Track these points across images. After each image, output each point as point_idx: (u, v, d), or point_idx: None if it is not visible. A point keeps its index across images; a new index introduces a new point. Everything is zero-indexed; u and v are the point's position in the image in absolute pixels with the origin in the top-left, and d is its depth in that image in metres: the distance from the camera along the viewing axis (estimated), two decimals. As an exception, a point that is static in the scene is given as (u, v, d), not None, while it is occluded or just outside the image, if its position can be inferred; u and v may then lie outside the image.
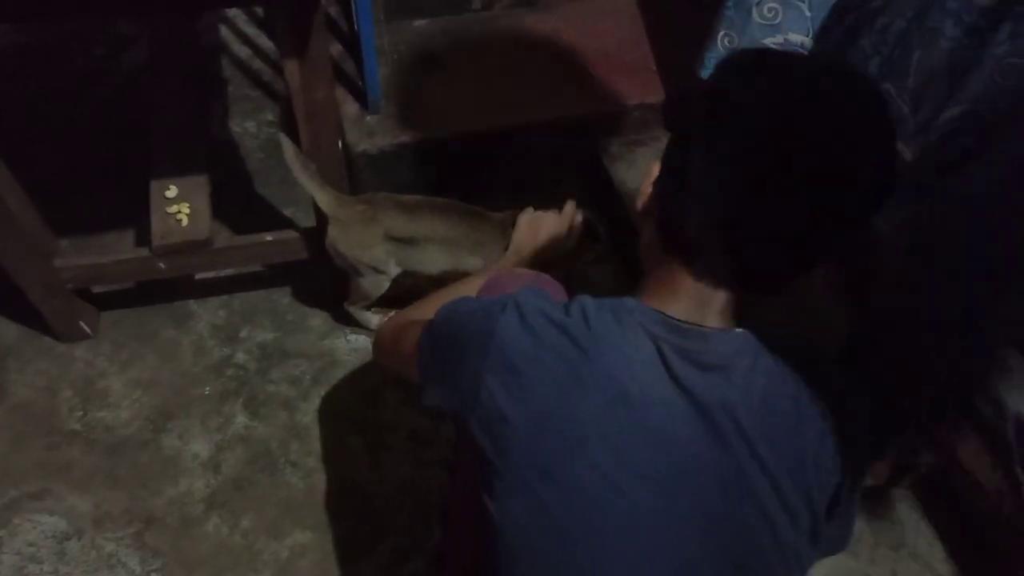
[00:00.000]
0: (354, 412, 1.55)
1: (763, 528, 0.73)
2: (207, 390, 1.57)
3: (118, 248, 1.69)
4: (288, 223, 1.77)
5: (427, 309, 1.05)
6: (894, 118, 0.74)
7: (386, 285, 1.50)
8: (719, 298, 0.75)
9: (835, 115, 0.68)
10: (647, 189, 0.81)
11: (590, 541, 0.72)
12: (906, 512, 1.53)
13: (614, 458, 0.71)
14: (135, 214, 1.63)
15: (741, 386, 0.72)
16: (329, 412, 1.55)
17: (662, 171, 0.78)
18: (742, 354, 0.74)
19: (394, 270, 1.47)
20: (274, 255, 1.54)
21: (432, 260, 1.44)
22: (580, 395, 0.72)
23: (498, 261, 1.36)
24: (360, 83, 1.73)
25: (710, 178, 0.71)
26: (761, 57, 0.73)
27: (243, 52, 2.08)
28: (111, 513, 1.42)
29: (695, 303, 0.75)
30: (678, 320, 0.74)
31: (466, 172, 1.76)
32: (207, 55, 2.06)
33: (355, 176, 1.68)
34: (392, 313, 1.10)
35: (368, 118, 1.71)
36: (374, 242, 1.41)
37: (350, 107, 1.72)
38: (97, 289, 1.61)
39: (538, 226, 1.32)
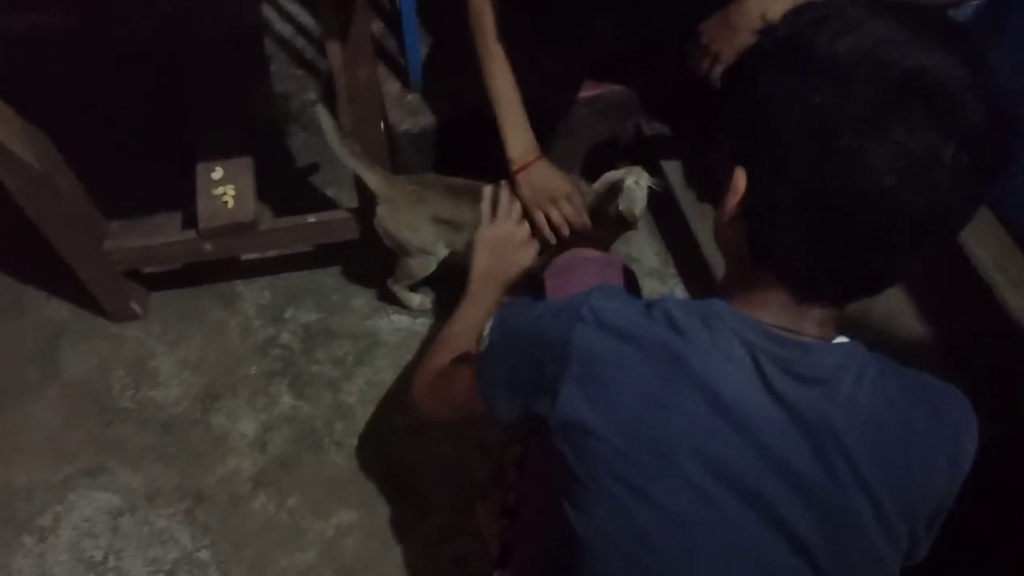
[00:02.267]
0: (397, 392, 1.55)
1: (860, 548, 0.69)
2: (253, 370, 1.58)
3: (166, 229, 1.72)
4: (332, 203, 1.78)
5: (443, 354, 1.01)
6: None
7: (433, 266, 1.49)
8: (816, 310, 0.69)
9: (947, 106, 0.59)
10: (733, 206, 0.70)
11: (683, 557, 0.69)
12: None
13: (708, 471, 0.67)
14: (182, 195, 1.64)
15: (845, 402, 0.67)
16: (372, 392, 1.56)
17: (749, 192, 0.69)
18: (847, 367, 0.68)
19: (442, 252, 1.46)
20: (318, 236, 1.55)
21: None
22: (671, 405, 0.67)
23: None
24: (402, 61, 1.72)
25: (805, 202, 0.63)
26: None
27: (285, 30, 2.08)
28: (163, 490, 1.45)
29: (791, 313, 0.69)
30: (775, 328, 0.68)
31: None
32: (249, 34, 2.06)
33: (398, 155, 1.67)
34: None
35: (410, 96, 1.70)
36: (422, 223, 1.41)
37: (392, 86, 1.71)
38: (147, 270, 1.63)
39: (497, 250, 1.22)
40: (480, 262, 1.20)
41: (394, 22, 1.74)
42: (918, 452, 0.69)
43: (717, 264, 1.59)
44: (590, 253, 1.12)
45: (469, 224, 1.38)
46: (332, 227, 1.53)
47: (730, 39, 1.27)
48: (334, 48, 1.19)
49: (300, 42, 2.07)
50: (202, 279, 1.69)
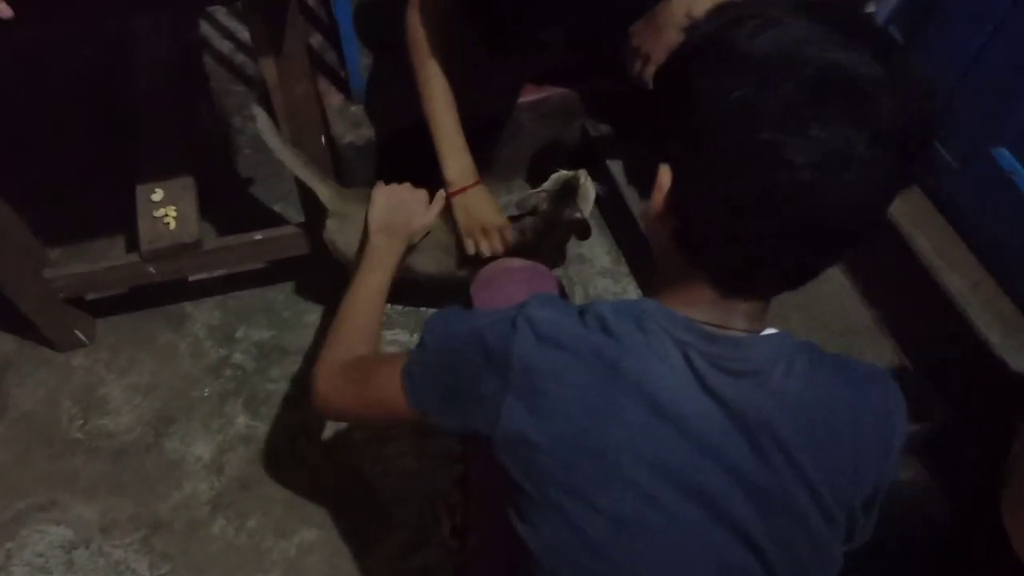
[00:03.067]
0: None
1: (801, 535, 0.71)
2: (206, 392, 1.56)
3: (109, 254, 1.68)
4: (279, 219, 1.76)
5: (349, 337, 1.00)
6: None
7: None
8: (743, 304, 0.70)
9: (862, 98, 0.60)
10: (659, 201, 0.71)
11: (635, 562, 0.69)
12: (910, 475, 1.52)
13: (652, 474, 0.68)
14: (124, 219, 1.61)
15: (776, 393, 0.69)
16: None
17: (674, 187, 0.69)
18: (776, 359, 0.69)
19: None
20: (266, 253, 1.53)
21: (425, 262, 1.42)
22: (610, 412, 0.68)
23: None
24: (343, 73, 1.71)
25: (727, 198, 0.64)
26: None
27: (224, 47, 2.06)
28: (118, 520, 1.42)
29: (719, 309, 0.70)
30: (705, 324, 0.69)
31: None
32: (188, 51, 2.04)
33: (343, 168, 1.66)
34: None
35: (353, 108, 1.69)
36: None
37: (334, 98, 1.70)
38: (90, 296, 1.60)
39: (396, 201, 1.28)
40: (378, 214, 1.22)
41: (333, 34, 1.73)
42: (848, 438, 0.71)
43: (666, 261, 1.61)
44: (515, 263, 1.13)
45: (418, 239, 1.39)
46: (280, 243, 1.51)
47: (658, 39, 1.29)
48: (268, 64, 1.18)
49: (240, 58, 2.05)
50: (149, 303, 1.66)
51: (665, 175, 0.69)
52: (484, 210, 1.35)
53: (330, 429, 1.51)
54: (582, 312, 0.72)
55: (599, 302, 0.72)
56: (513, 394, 0.70)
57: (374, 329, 1.07)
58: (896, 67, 0.61)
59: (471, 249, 1.36)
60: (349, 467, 1.47)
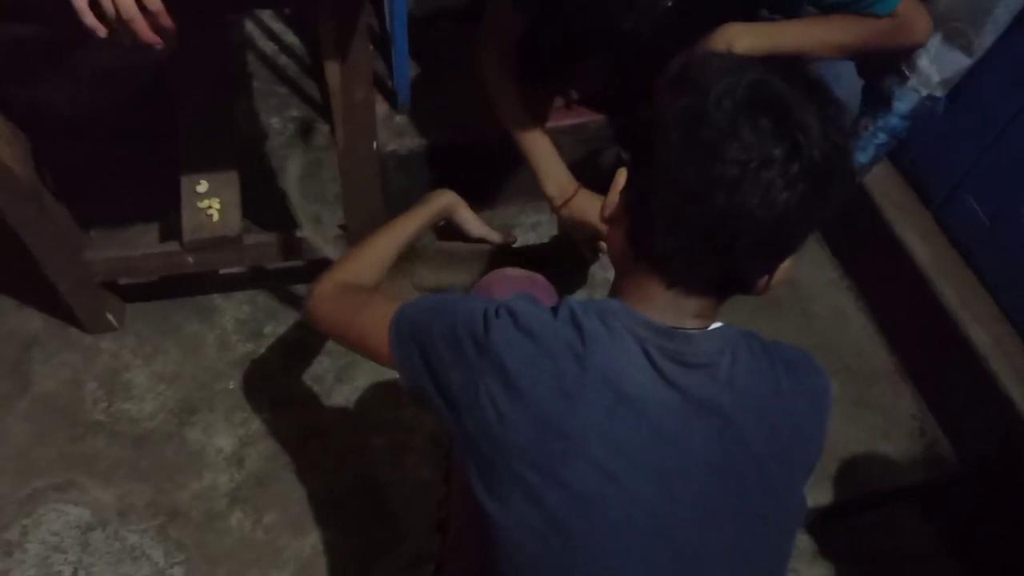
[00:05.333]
0: (376, 412, 1.55)
1: (755, 514, 0.77)
2: (231, 385, 1.57)
3: (143, 242, 1.70)
4: (313, 219, 1.78)
5: (358, 262, 1.08)
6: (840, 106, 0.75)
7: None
8: (692, 303, 0.78)
9: (795, 116, 0.70)
10: (614, 198, 0.81)
11: (594, 537, 0.75)
12: (917, 522, 1.54)
13: (614, 454, 0.74)
14: (160, 209, 1.63)
15: (725, 381, 0.76)
16: (351, 411, 1.56)
17: (628, 183, 0.80)
18: (723, 351, 0.77)
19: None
20: (306, 252, 1.55)
21: (429, 276, 1.43)
22: (579, 396, 0.74)
23: None
24: (389, 83, 1.74)
25: (674, 196, 0.73)
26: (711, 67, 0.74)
27: (268, 47, 2.09)
28: (135, 505, 1.42)
29: (672, 309, 0.77)
30: (660, 323, 0.77)
31: (495, 172, 1.77)
32: (233, 50, 2.06)
33: (384, 176, 1.68)
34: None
35: (397, 118, 1.72)
36: (404, 293, 1.41)
37: (379, 107, 1.72)
38: (124, 281, 1.61)
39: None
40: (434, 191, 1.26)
41: (382, 44, 1.76)
42: (790, 418, 0.79)
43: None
44: (514, 272, 1.17)
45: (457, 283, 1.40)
46: (318, 244, 1.53)
47: None
48: (332, 70, 1.21)
49: (283, 59, 2.08)
50: (179, 292, 1.67)
51: (621, 176, 0.81)
52: (589, 212, 1.37)
53: (348, 434, 1.52)
54: (555, 309, 0.79)
55: (569, 299, 0.80)
56: (489, 376, 0.76)
57: (387, 265, 1.12)
58: (820, 100, 0.71)
59: (594, 258, 1.40)
60: (365, 473, 1.48)
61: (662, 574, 0.76)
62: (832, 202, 0.73)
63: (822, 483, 1.45)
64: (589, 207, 1.38)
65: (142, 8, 0.90)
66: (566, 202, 1.37)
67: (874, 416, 1.54)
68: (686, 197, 0.72)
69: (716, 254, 0.74)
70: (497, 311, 0.79)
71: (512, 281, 1.14)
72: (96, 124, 1.89)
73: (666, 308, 0.77)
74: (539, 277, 1.18)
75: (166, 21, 0.93)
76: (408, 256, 1.37)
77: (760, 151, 0.69)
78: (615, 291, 0.83)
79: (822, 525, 1.50)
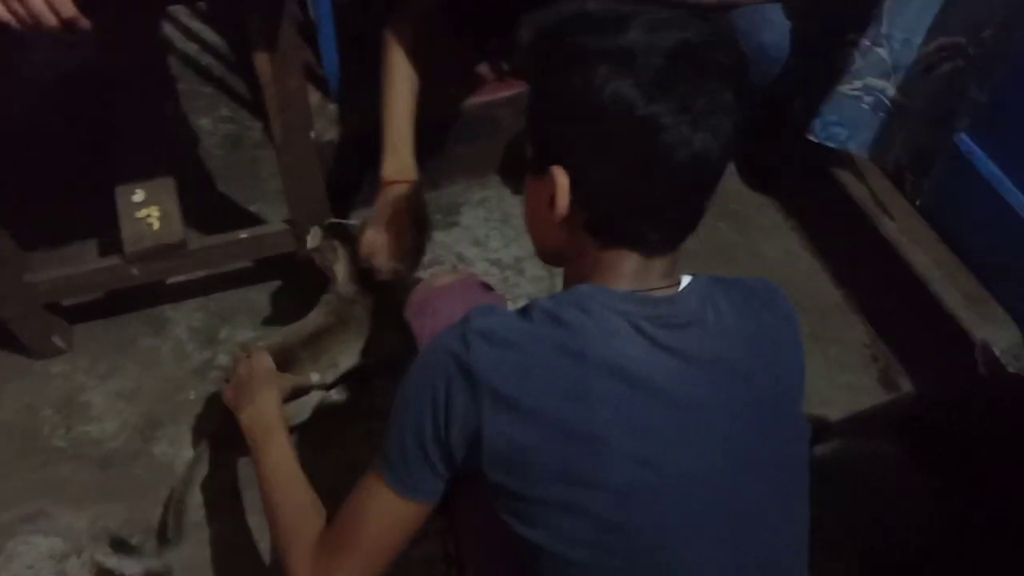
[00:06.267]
0: (349, 401, 1.54)
1: (780, 445, 0.78)
2: (192, 395, 1.54)
3: (85, 258, 1.65)
4: (256, 219, 1.75)
5: (297, 518, 0.91)
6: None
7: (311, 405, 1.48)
8: (659, 263, 0.78)
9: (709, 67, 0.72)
10: (563, 203, 0.76)
11: (647, 528, 0.72)
12: (884, 445, 1.60)
13: (642, 441, 0.72)
14: (95, 222, 1.59)
15: (717, 332, 0.76)
16: (324, 403, 1.54)
17: (576, 184, 0.75)
18: (703, 305, 0.77)
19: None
20: (251, 252, 1.52)
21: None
22: (588, 395, 0.71)
23: None
24: (319, 71, 1.71)
25: (629, 172, 0.73)
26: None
27: (190, 48, 2.04)
28: (109, 527, 1.39)
29: (642, 275, 0.77)
30: (637, 292, 0.76)
31: (437, 152, 1.76)
32: (155, 53, 2.01)
33: (323, 166, 1.66)
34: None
35: (331, 106, 1.69)
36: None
37: (312, 96, 1.70)
38: (68, 302, 1.57)
39: (242, 398, 1.18)
40: (241, 420, 1.14)
41: (309, 32, 1.73)
42: (778, 345, 0.80)
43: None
44: (443, 280, 1.12)
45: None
46: (264, 243, 1.50)
47: None
48: (262, 61, 1.18)
49: (206, 59, 2.03)
50: (127, 307, 1.63)
51: (562, 177, 0.75)
52: (405, 207, 1.33)
53: (317, 428, 1.51)
54: (524, 311, 0.75)
55: (536, 299, 0.76)
56: (489, 408, 0.71)
57: (310, 497, 0.96)
58: (721, 30, 0.76)
59: (372, 246, 1.34)
60: (347, 461, 1.47)
61: (725, 536, 0.74)
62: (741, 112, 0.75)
63: (788, 419, 1.49)
64: (411, 202, 1.34)
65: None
66: (393, 183, 1.34)
67: (829, 348, 1.60)
68: (648, 173, 0.72)
69: (688, 208, 0.76)
70: (463, 337, 0.73)
71: (446, 292, 1.08)
72: (25, 141, 1.83)
73: (636, 276, 0.77)
74: (469, 277, 1.14)
75: (83, 23, 0.90)
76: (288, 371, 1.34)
77: (698, 98, 0.70)
78: (574, 276, 0.80)
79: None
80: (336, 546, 0.83)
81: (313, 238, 1.46)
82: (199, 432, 1.48)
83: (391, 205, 1.34)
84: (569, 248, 0.80)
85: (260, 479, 1.01)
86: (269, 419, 1.11)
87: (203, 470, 1.41)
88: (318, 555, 0.84)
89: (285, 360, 1.34)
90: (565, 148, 0.75)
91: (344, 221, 1.45)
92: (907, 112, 1.48)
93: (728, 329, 0.77)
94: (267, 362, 1.24)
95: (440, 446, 0.75)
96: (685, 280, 0.79)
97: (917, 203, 1.57)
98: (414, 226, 1.36)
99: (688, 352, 0.74)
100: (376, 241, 1.34)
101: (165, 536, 1.35)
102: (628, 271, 0.77)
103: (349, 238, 1.44)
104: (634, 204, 0.74)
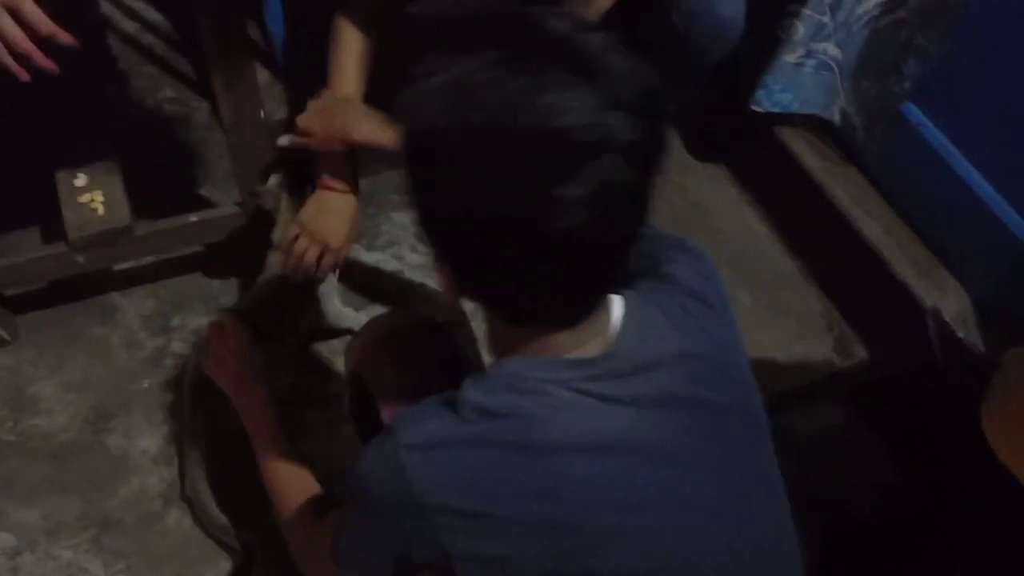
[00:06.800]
0: (305, 388, 1.52)
1: (751, 439, 0.77)
2: (146, 383, 1.50)
3: (27, 247, 1.59)
4: (206, 202, 1.70)
5: (288, 497, 0.99)
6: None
7: None
8: (587, 324, 0.70)
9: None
10: (451, 295, 0.71)
11: None
12: (839, 413, 1.63)
13: (627, 512, 0.67)
14: (36, 209, 1.53)
15: (656, 362, 0.70)
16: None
17: (463, 279, 0.69)
18: (641, 336, 0.71)
19: None
20: (202, 236, 1.49)
21: None
22: (551, 486, 0.65)
23: None
24: (267, 49, 1.66)
25: (529, 266, 0.64)
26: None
27: (130, 27, 1.96)
28: (63, 521, 1.35)
29: (570, 341, 0.69)
30: (574, 358, 0.69)
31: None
32: (93, 33, 1.93)
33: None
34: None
35: (279, 86, 1.65)
36: None
37: (260, 75, 1.65)
38: (11, 292, 1.51)
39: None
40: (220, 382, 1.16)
41: (256, 8, 1.68)
42: (715, 336, 0.76)
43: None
44: (385, 356, 1.01)
45: None
46: (216, 226, 1.47)
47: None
48: (208, 39, 1.15)
49: (147, 38, 1.96)
50: (74, 296, 1.57)
51: (443, 267, 0.69)
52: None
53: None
54: (454, 407, 0.67)
55: (464, 390, 0.68)
56: (447, 528, 0.66)
57: (304, 472, 1.02)
58: (609, 79, 0.60)
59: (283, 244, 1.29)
60: (304, 448, 1.45)
61: (728, 560, 0.72)
62: (664, 155, 0.65)
63: (747, 390, 1.51)
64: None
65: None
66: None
67: (786, 319, 1.62)
68: (542, 274, 0.64)
69: (598, 282, 0.68)
70: (398, 460, 0.66)
71: (396, 364, 0.99)
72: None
73: (570, 341, 0.69)
74: (412, 337, 1.02)
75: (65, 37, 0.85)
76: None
77: (588, 189, 0.59)
78: (501, 348, 0.73)
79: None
80: (316, 548, 0.88)
81: (272, 183, 1.39)
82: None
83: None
84: (498, 337, 0.74)
85: (256, 449, 1.07)
86: (252, 380, 1.13)
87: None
88: (305, 537, 0.95)
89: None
90: (441, 246, 0.68)
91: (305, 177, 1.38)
92: (849, 66, 1.50)
93: (672, 352, 0.71)
94: (245, 332, 1.21)
95: (401, 565, 0.72)
96: (616, 313, 0.71)
97: (867, 161, 1.58)
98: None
99: (641, 399, 0.68)
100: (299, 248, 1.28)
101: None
102: (556, 342, 0.69)
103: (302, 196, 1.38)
104: (531, 298, 0.67)
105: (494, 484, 0.65)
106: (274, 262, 1.43)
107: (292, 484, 1.02)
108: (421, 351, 1.01)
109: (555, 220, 0.59)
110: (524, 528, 0.65)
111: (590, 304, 0.69)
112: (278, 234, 1.42)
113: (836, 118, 1.59)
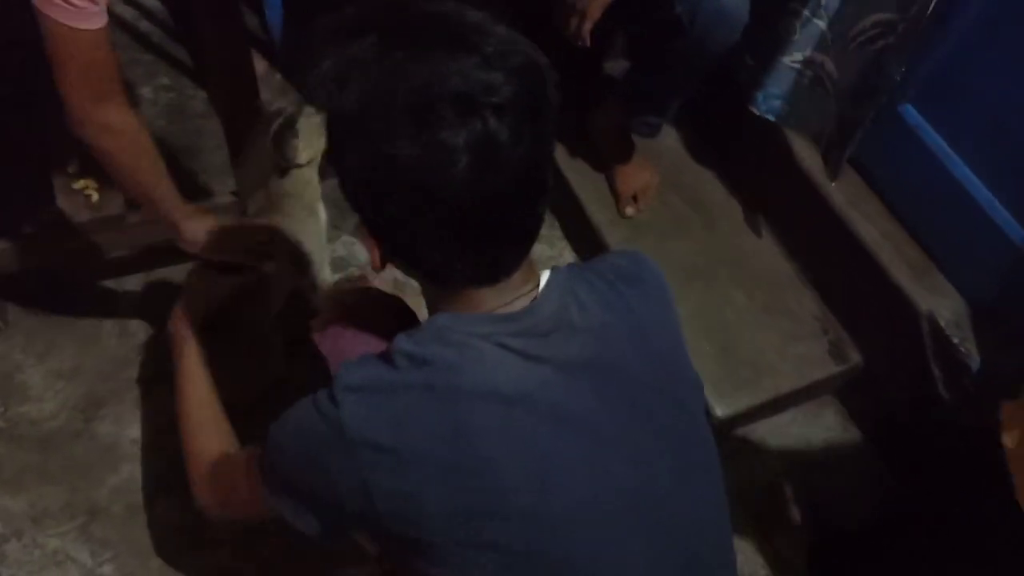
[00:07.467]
0: (298, 374, 1.51)
1: (674, 414, 0.79)
2: (137, 372, 1.50)
3: (19, 232, 1.57)
4: (202, 192, 1.69)
5: (202, 434, 1.00)
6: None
7: None
8: (512, 280, 0.74)
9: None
10: (376, 260, 0.77)
11: (559, 544, 0.72)
12: (832, 416, 1.64)
13: (532, 462, 0.71)
14: (29, 195, 1.51)
15: (582, 330, 0.75)
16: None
17: (383, 242, 0.75)
18: (564, 303, 0.75)
19: None
20: (196, 225, 1.47)
21: None
22: (467, 430, 0.70)
23: None
24: (265, 38, 1.66)
25: (434, 234, 0.70)
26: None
27: (127, 12, 1.95)
28: (50, 510, 1.35)
29: (497, 297, 0.74)
30: (495, 312, 0.74)
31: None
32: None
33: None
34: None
35: (277, 75, 1.64)
36: None
37: (257, 64, 1.64)
38: (2, 276, 1.50)
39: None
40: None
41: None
42: (648, 322, 0.79)
43: (602, 224, 1.66)
44: (347, 298, 1.10)
45: None
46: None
47: None
48: (205, 27, 1.14)
49: (144, 25, 1.95)
50: (65, 283, 1.56)
51: (367, 235, 0.76)
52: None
53: (274, 401, 1.48)
54: (386, 359, 0.73)
55: (397, 341, 0.73)
56: (369, 462, 0.70)
57: (220, 418, 1.04)
58: (484, 45, 0.66)
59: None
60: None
61: (642, 533, 0.74)
62: (553, 114, 0.70)
63: (740, 388, 1.51)
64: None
65: None
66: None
67: (782, 321, 1.61)
68: (446, 226, 0.69)
69: (507, 237, 0.72)
70: (334, 399, 0.71)
71: (353, 313, 1.05)
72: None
73: (492, 299, 0.74)
74: (369, 293, 1.10)
75: None
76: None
77: (470, 137, 0.65)
78: (435, 306, 0.78)
79: (744, 426, 1.57)
80: (218, 481, 0.93)
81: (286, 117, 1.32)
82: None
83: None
84: (418, 280, 0.79)
85: (181, 394, 1.07)
86: (184, 332, 1.12)
87: None
88: (208, 470, 0.95)
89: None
90: (359, 209, 0.74)
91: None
92: (839, 88, 1.49)
93: (594, 325, 0.75)
94: (202, 275, 1.22)
95: (327, 499, 0.75)
96: (544, 278, 0.76)
97: (864, 162, 1.58)
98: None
99: (558, 359, 0.73)
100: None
101: None
102: (480, 299, 0.74)
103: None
104: (444, 254, 0.71)
105: (413, 424, 0.70)
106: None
107: (206, 424, 1.04)
108: (376, 325, 1.02)
109: (442, 167, 0.65)
110: (435, 468, 0.70)
111: (504, 264, 0.73)
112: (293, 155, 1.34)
113: (821, 144, 1.59)
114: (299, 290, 1.41)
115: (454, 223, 0.69)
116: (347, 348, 0.97)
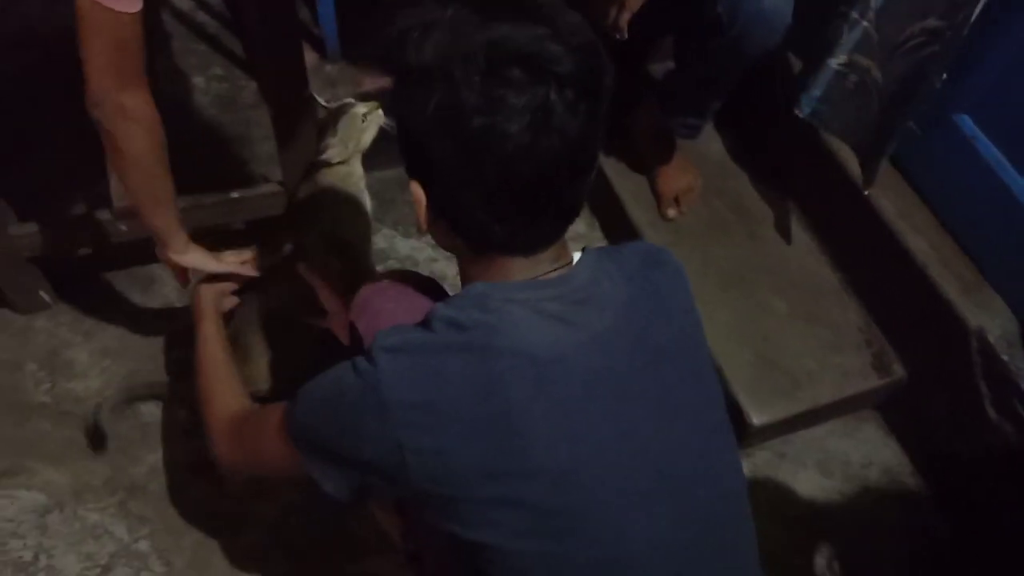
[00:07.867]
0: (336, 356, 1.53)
1: (693, 385, 0.82)
2: (182, 355, 1.52)
3: (72, 213, 1.62)
4: (249, 180, 1.72)
5: (224, 391, 1.06)
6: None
7: None
8: (547, 254, 0.79)
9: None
10: (422, 213, 0.79)
11: (585, 504, 0.74)
12: (873, 430, 1.60)
13: (564, 420, 0.73)
14: (83, 177, 1.55)
15: (614, 303, 0.78)
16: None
17: (431, 198, 0.78)
18: (596, 278, 0.79)
19: None
20: (243, 212, 1.50)
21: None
22: (503, 389, 0.72)
23: None
24: (316, 30, 1.68)
25: (476, 188, 0.73)
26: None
27: (184, 4, 1.99)
28: (91, 484, 1.38)
29: (532, 268, 0.78)
30: (533, 280, 0.77)
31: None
32: (146, 8, 1.96)
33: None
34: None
35: (328, 67, 1.66)
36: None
37: (308, 56, 1.67)
38: (54, 255, 1.54)
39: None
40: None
41: (305, -10, 1.70)
42: (672, 300, 0.84)
43: (643, 224, 1.64)
44: (382, 282, 1.07)
45: None
46: (258, 203, 1.48)
47: None
48: (255, 19, 1.16)
49: (201, 16, 1.99)
50: (115, 264, 1.61)
51: (418, 190, 0.78)
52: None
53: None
54: (426, 324, 0.75)
55: (436, 308, 0.76)
56: (403, 420, 0.72)
57: (236, 377, 1.10)
58: (559, 25, 0.71)
59: None
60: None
61: (663, 492, 0.77)
62: (606, 98, 0.74)
63: (778, 397, 1.49)
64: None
65: None
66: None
67: (824, 331, 1.58)
68: (494, 185, 0.72)
69: (548, 208, 0.75)
70: (371, 359, 0.74)
71: (386, 290, 1.03)
72: (12, 93, 1.79)
73: (524, 271, 0.78)
74: (400, 283, 1.06)
75: None
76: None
77: (535, 104, 0.69)
78: (469, 276, 0.81)
79: (783, 436, 1.54)
80: (241, 435, 0.96)
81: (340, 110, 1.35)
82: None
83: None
84: (455, 249, 0.82)
85: (200, 359, 1.14)
86: (207, 308, 1.24)
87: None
88: (230, 424, 0.99)
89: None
90: (415, 164, 0.77)
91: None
92: (884, 96, 1.45)
93: (623, 299, 0.79)
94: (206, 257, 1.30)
95: (356, 458, 0.76)
96: (577, 255, 0.81)
97: (915, 172, 1.54)
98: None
99: (593, 327, 0.76)
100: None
101: None
102: (515, 269, 0.78)
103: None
104: (492, 215, 0.74)
105: (448, 381, 0.72)
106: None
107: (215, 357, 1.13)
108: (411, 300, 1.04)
109: (500, 124, 0.68)
110: (468, 424, 0.71)
111: (541, 235, 0.77)
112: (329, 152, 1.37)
113: (860, 153, 1.55)
114: (345, 281, 1.42)
115: (500, 182, 0.72)
116: (384, 325, 0.98)
